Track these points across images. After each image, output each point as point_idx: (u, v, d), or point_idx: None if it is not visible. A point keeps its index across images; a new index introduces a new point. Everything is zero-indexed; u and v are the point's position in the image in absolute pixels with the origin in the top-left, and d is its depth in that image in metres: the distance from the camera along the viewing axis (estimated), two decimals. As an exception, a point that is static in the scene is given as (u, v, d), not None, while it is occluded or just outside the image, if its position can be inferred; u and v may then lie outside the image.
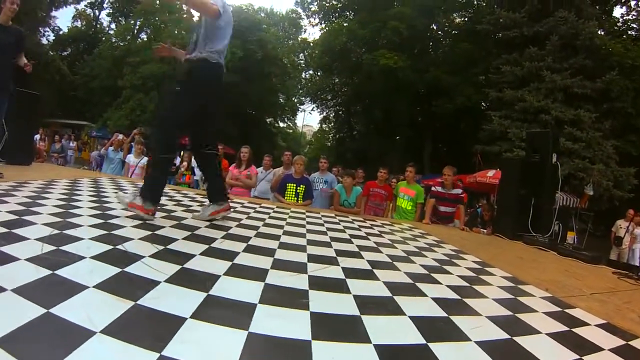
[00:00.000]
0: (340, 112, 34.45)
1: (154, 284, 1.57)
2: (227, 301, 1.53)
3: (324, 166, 6.61)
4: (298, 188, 5.62)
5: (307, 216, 4.34)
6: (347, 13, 31.27)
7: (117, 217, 2.70)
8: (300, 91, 36.90)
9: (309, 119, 67.70)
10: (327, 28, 31.50)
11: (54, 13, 33.33)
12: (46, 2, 26.17)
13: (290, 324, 1.40)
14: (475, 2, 26.54)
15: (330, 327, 1.43)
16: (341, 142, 33.22)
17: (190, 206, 3.83)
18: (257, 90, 27.72)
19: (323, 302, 1.64)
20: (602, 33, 17.33)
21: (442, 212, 5.90)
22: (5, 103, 4.40)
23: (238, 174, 6.34)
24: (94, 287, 1.44)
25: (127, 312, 1.29)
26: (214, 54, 3.01)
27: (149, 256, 1.92)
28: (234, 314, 1.43)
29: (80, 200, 3.19)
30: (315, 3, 33.52)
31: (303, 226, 3.62)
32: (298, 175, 5.76)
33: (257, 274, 1.90)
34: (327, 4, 32.27)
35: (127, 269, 1.68)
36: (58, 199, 3.10)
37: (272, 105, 32.95)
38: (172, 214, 3.23)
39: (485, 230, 5.96)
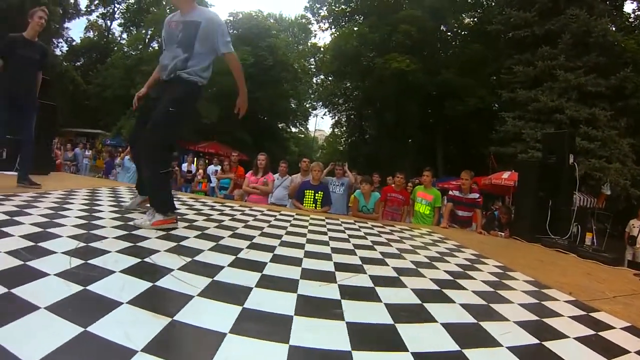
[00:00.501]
0: (352, 116, 34.38)
1: (187, 298, 1.57)
2: (263, 314, 1.54)
3: (339, 173, 6.64)
4: (316, 194, 5.68)
5: (327, 223, 4.38)
6: (357, 17, 31.22)
7: (140, 228, 2.74)
8: (312, 96, 36.91)
9: (320, 123, 67.79)
10: (337, 33, 31.53)
11: (66, 25, 33.88)
12: (59, 14, 26.64)
13: (328, 335, 1.42)
14: (484, 2, 26.39)
15: (368, 337, 1.46)
16: (353, 146, 33.14)
17: (211, 215, 3.87)
18: (268, 96, 27.84)
19: (356, 311, 1.67)
20: (614, 29, 17.08)
21: (460, 216, 5.92)
22: (35, 116, 4.53)
23: (255, 181, 6.40)
24: (127, 303, 1.44)
25: (165, 328, 1.29)
26: (203, 79, 3.07)
27: (178, 269, 1.92)
28: (272, 327, 1.44)
29: (102, 211, 3.23)
30: (325, 8, 33.53)
31: (325, 234, 3.67)
32: (316, 182, 5.81)
33: (288, 285, 1.92)
34: (337, 9, 32.26)
35: (158, 283, 1.69)
36: (80, 210, 3.14)
37: (283, 110, 33.00)
38: (194, 223, 3.26)
39: (502, 233, 5.95)
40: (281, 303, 1.66)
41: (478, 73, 23.03)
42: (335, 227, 4.16)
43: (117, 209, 3.50)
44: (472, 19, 27.62)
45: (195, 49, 2.94)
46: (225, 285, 1.81)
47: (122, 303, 1.42)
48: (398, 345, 1.41)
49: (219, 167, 9.58)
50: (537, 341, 1.61)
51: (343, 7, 31.72)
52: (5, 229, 2.22)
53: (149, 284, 1.65)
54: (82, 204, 3.46)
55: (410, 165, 20.13)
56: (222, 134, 23.38)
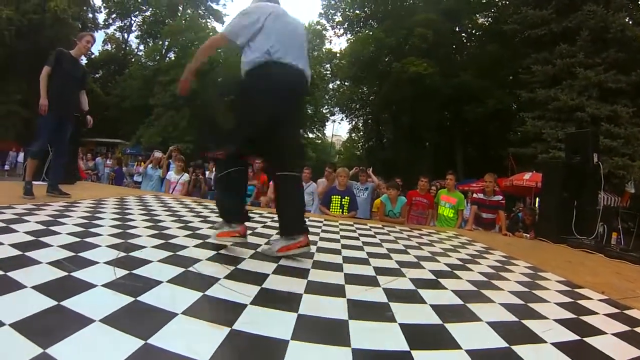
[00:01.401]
0: (369, 121, 34.38)
1: (241, 307, 1.57)
2: (319, 319, 1.57)
3: (363, 179, 6.76)
4: (343, 200, 5.76)
5: (357, 228, 4.45)
6: (372, 22, 31.30)
7: (175, 236, 2.80)
8: (329, 102, 36.94)
9: (337, 128, 67.77)
10: (352, 38, 31.64)
11: (85, 38, 34.65)
12: (78, 28, 27.25)
13: (386, 337, 1.47)
14: (499, 2, 26.19)
15: (422, 337, 1.51)
16: (370, 151, 33.11)
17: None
18: (285, 102, 28.03)
19: (405, 313, 1.72)
20: (631, 23, 16.84)
21: (485, 218, 5.97)
22: (71, 129, 4.74)
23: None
24: (182, 313, 1.44)
25: (227, 339, 1.29)
26: (259, 56, 2.52)
27: (224, 277, 1.94)
28: (330, 331, 1.46)
29: (134, 220, 3.31)
30: (339, 14, 33.70)
31: (357, 238, 3.73)
32: (342, 187, 5.89)
33: (336, 290, 1.96)
34: (351, 15, 32.39)
35: (208, 293, 1.69)
36: (112, 219, 3.21)
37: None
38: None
39: (527, 235, 5.97)
40: (333, 308, 1.70)
41: (495, 73, 22.88)
42: (366, 232, 4.23)
43: (148, 217, 3.59)
44: (486, 19, 27.46)
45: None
46: (274, 293, 1.83)
47: (177, 314, 1.43)
48: (452, 343, 1.46)
49: (241, 175, 9.67)
50: (577, 337, 1.67)
51: (357, 12, 31.81)
52: (43, 239, 2.27)
53: (200, 294, 1.66)
54: (114, 213, 3.56)
55: (429, 168, 20.03)
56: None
